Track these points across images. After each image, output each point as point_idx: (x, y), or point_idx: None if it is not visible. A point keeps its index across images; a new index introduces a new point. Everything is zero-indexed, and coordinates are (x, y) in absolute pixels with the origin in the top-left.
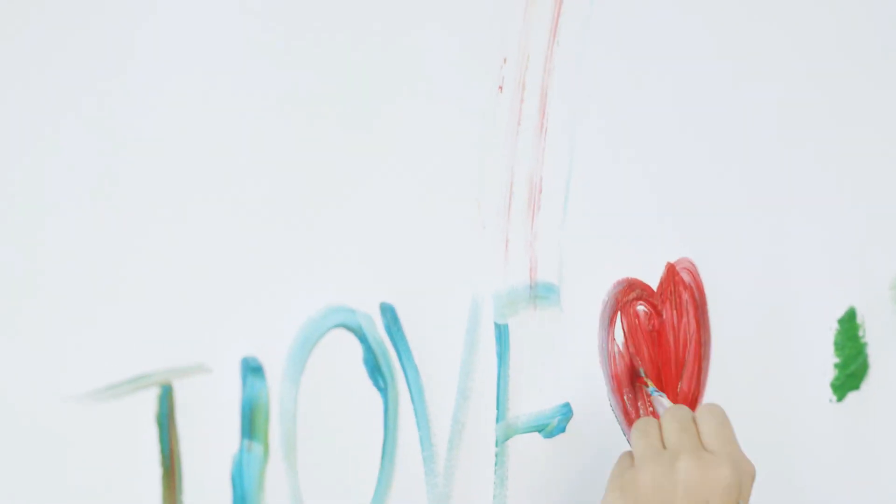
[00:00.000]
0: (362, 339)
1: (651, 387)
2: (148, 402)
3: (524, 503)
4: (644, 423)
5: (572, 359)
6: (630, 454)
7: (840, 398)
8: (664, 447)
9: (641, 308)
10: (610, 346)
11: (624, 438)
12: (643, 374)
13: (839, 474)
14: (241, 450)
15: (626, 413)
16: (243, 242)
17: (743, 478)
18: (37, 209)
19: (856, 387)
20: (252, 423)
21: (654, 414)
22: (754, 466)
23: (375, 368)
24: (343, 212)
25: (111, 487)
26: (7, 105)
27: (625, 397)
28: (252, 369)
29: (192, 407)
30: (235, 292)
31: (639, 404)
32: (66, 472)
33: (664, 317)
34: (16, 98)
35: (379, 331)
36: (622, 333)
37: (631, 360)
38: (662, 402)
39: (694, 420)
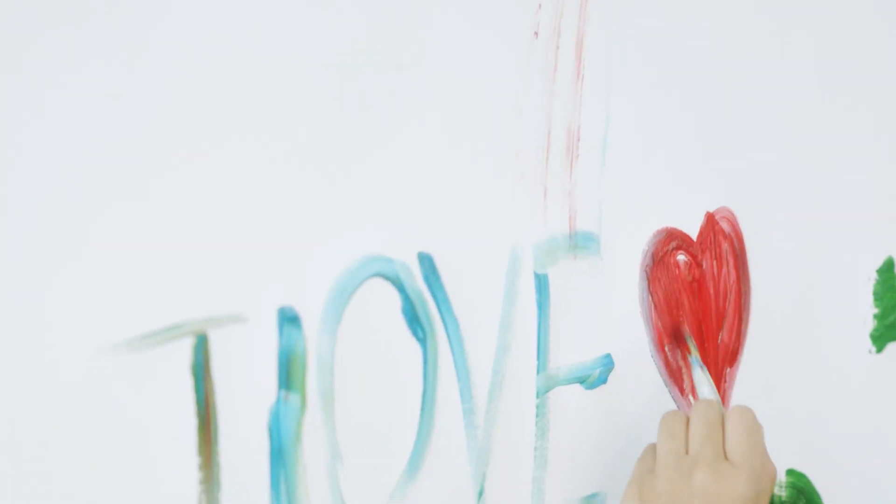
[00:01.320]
0: (400, 288)
1: (694, 355)
2: (183, 352)
3: (565, 455)
4: (672, 421)
5: (613, 309)
6: (653, 451)
7: (879, 349)
8: (687, 451)
9: (682, 258)
10: (651, 297)
11: (665, 390)
12: (687, 337)
13: (877, 426)
14: (278, 400)
15: (667, 365)
16: (280, 191)
17: (761, 487)
18: (71, 159)
19: (895, 338)
20: (289, 373)
21: (690, 377)
22: (776, 469)
23: (414, 318)
24: (380, 160)
25: (147, 438)
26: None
27: (666, 349)
28: (289, 319)
29: (229, 357)
30: (272, 241)
31: (678, 358)
32: (101, 422)
33: (704, 267)
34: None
35: (417, 280)
36: (662, 285)
37: (672, 316)
38: (701, 378)
39: (722, 423)
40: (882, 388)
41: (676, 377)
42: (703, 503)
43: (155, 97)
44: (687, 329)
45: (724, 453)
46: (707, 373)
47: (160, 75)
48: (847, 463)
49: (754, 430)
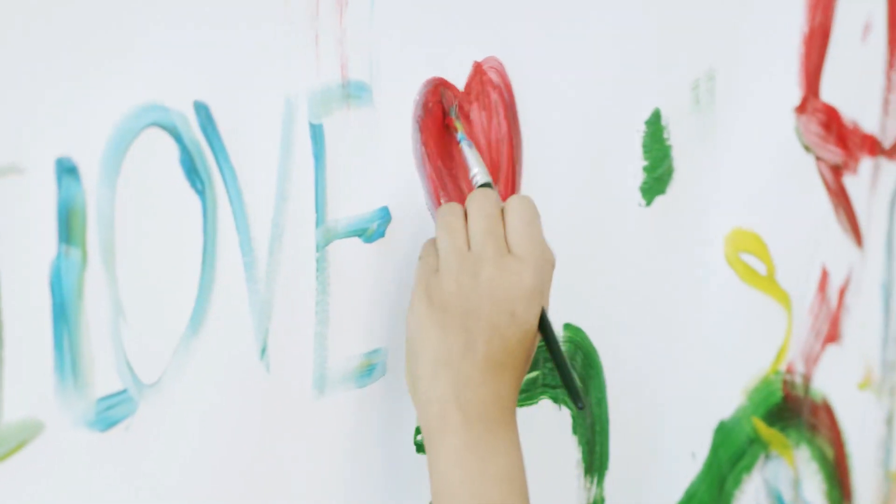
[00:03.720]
0: (178, 138)
1: (460, 133)
2: None
3: (346, 310)
4: (449, 215)
5: (388, 161)
6: (434, 247)
7: (649, 202)
8: (469, 247)
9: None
10: (423, 148)
11: None
12: (454, 115)
13: (647, 280)
14: (58, 255)
15: None
16: (53, 37)
17: (545, 276)
18: None
19: (662, 191)
20: (69, 226)
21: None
22: (553, 255)
23: (192, 170)
24: (153, 6)
25: None
26: None
27: (441, 200)
28: (67, 170)
29: (7, 210)
30: (47, 89)
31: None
32: None
33: (473, 118)
34: None
35: (194, 130)
36: (432, 136)
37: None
38: (470, 157)
39: (501, 214)
40: (651, 241)
41: None
42: (493, 300)
43: None
44: (455, 108)
45: (507, 245)
46: (475, 150)
47: None
48: (619, 317)
49: (533, 219)
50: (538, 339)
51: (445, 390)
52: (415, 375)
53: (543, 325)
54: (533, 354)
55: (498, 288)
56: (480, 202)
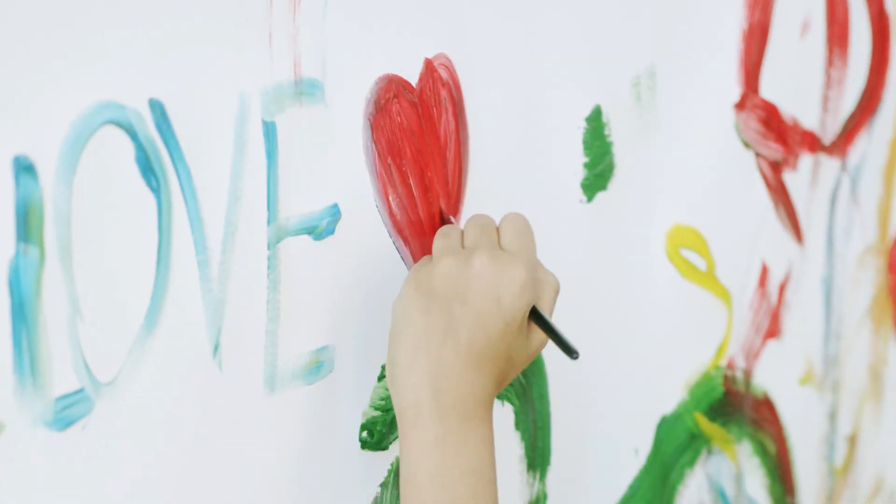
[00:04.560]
0: (133, 136)
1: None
2: None
3: (297, 308)
4: (447, 228)
5: (339, 158)
6: (430, 257)
7: (590, 199)
8: (463, 247)
9: (403, 106)
10: (374, 145)
11: (390, 240)
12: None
13: (590, 276)
14: (16, 253)
15: (391, 215)
16: (8, 35)
17: (543, 287)
18: None
19: (603, 187)
20: (27, 225)
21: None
22: (557, 280)
23: (148, 168)
24: (108, 4)
25: None
26: None
27: (390, 197)
28: (24, 168)
29: None
30: (2, 87)
31: (405, 204)
32: None
33: (423, 115)
34: None
35: (149, 128)
36: (384, 134)
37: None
38: None
39: (496, 227)
40: (592, 237)
41: (399, 228)
42: (480, 285)
43: None
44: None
45: (500, 246)
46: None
47: None
48: (560, 313)
49: (526, 230)
50: (529, 342)
51: (422, 379)
52: (393, 362)
53: (538, 316)
54: (520, 361)
55: (487, 274)
56: (476, 218)
